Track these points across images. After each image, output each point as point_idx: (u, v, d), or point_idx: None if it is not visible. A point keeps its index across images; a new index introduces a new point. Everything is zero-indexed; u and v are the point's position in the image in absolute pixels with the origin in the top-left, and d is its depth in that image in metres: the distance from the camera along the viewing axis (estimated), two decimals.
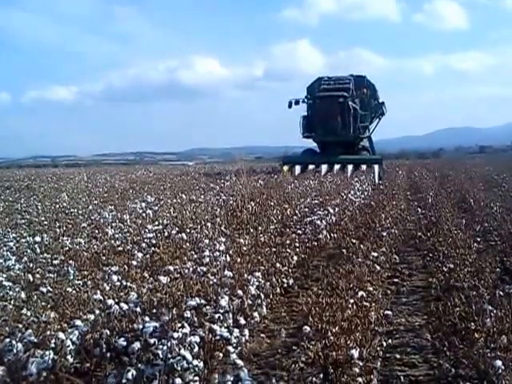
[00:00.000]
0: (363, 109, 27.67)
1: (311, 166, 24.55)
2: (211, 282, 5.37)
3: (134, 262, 6.58)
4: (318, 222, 9.45)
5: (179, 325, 4.11)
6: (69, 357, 4.27)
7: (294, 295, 6.65)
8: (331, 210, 10.71)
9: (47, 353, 4.12)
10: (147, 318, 4.27)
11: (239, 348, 4.62)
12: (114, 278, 5.63)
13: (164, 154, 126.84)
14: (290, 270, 6.84)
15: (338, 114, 25.97)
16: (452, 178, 21.91)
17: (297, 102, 27.83)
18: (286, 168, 25.11)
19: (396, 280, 7.24)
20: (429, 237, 8.83)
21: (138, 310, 4.54)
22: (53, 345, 4.25)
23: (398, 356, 4.85)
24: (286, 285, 6.61)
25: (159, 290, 5.03)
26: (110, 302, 4.66)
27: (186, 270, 5.90)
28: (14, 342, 4.19)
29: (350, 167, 23.77)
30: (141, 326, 4.16)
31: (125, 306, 4.62)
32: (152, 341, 3.98)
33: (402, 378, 4.35)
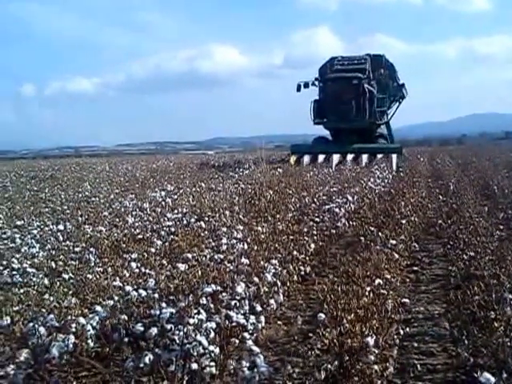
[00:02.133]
0: (381, 91, 25.14)
1: (322, 156, 22.57)
2: (228, 270, 5.42)
3: (153, 250, 6.67)
4: (337, 209, 9.45)
5: (195, 311, 4.16)
6: (89, 341, 4.40)
7: (312, 283, 6.67)
8: (350, 198, 10.70)
9: (69, 337, 4.24)
10: (164, 304, 4.33)
11: (255, 335, 4.67)
12: (133, 265, 5.72)
13: (185, 144, 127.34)
14: (307, 258, 6.85)
15: (352, 97, 23.41)
16: (475, 164, 21.33)
17: (306, 85, 25.24)
18: (293, 158, 23.15)
19: (415, 268, 7.20)
20: (449, 224, 8.74)
21: (156, 296, 4.61)
22: (74, 329, 4.37)
23: (415, 344, 4.83)
24: (303, 272, 6.62)
25: (176, 276, 5.09)
26: (128, 288, 4.75)
27: (204, 258, 5.96)
28: (37, 326, 4.32)
29: (364, 157, 21.80)
30: (158, 312, 4.22)
31: (143, 293, 4.70)
32: (169, 326, 4.05)
33: (419, 366, 4.35)
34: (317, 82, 25.20)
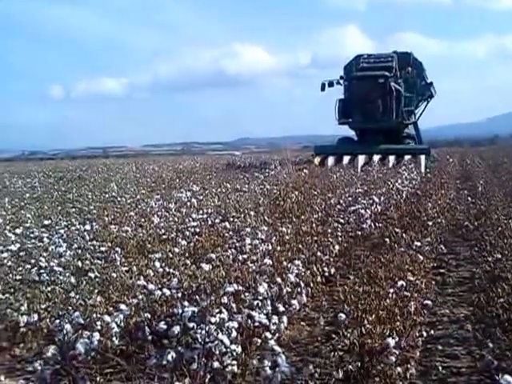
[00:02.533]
0: (408, 90, 24.43)
1: (347, 157, 21.83)
2: (250, 270, 5.49)
3: (177, 250, 6.77)
4: (362, 211, 9.44)
5: (217, 310, 4.24)
6: (114, 339, 4.51)
7: (336, 284, 6.70)
8: (376, 199, 10.68)
9: (94, 334, 4.37)
10: (186, 303, 4.42)
11: (277, 334, 4.72)
12: (157, 264, 5.83)
13: (211, 144, 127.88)
14: (331, 259, 6.88)
15: (379, 96, 22.86)
16: (506, 165, 21.08)
17: (331, 84, 24.71)
18: (317, 160, 22.40)
19: (442, 270, 7.19)
20: (477, 226, 8.68)
21: (179, 295, 4.70)
22: (99, 327, 4.49)
23: (440, 347, 4.84)
24: (327, 274, 6.66)
25: (199, 276, 5.18)
26: (151, 287, 4.85)
27: (227, 258, 6.04)
28: (63, 323, 4.45)
29: (391, 158, 21.07)
30: (180, 311, 4.31)
31: (166, 292, 4.80)
32: (191, 325, 4.13)
33: (441, 368, 4.35)
34: (342, 81, 24.70)
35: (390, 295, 4.70)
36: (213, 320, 4.08)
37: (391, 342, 3.72)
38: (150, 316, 4.52)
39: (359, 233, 8.60)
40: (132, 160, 44.84)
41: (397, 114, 23.26)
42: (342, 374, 3.63)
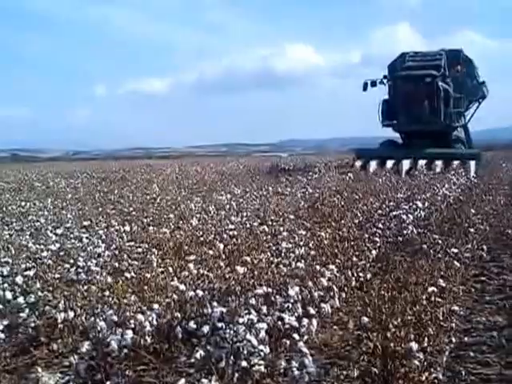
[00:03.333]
0: (458, 90, 23.62)
1: (390, 162, 21.19)
2: (282, 273, 5.72)
3: (211, 252, 7.05)
4: (404, 216, 9.53)
5: (246, 311, 4.49)
6: (147, 337, 4.82)
7: (371, 289, 6.85)
8: (420, 205, 10.72)
9: (127, 332, 4.68)
10: (215, 304, 4.69)
11: (306, 337, 4.94)
12: (191, 266, 6.12)
13: (257, 146, 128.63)
14: (367, 265, 7.03)
15: (425, 97, 22.02)
16: None
17: (373, 84, 24.10)
18: (358, 164, 21.84)
19: (483, 278, 7.25)
20: None
21: (208, 296, 4.98)
22: (132, 325, 4.81)
23: (472, 354, 4.96)
24: (362, 279, 6.81)
25: (228, 278, 5.44)
26: (182, 287, 5.14)
27: (260, 261, 6.28)
28: (98, 320, 4.78)
29: (438, 163, 20.39)
30: (210, 311, 4.58)
31: (199, 293, 5.08)
32: (220, 325, 4.39)
33: (467, 374, 4.48)
34: (385, 81, 24.10)
35: (419, 301, 4.84)
36: (241, 320, 4.32)
37: (414, 346, 3.88)
38: (180, 316, 4.78)
39: (400, 238, 8.72)
40: (175, 161, 45.63)
41: (445, 116, 22.56)
42: (358, 373, 3.80)
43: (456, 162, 20.59)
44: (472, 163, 20.64)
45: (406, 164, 20.61)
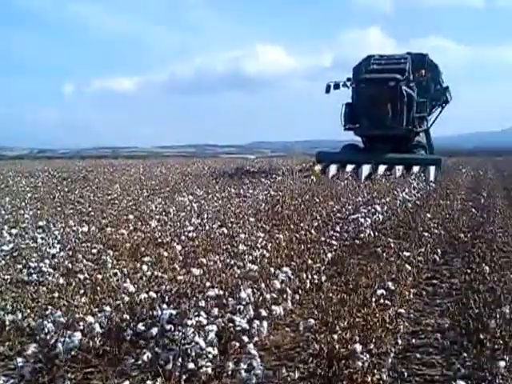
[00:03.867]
0: (421, 95, 23.32)
1: (350, 166, 20.88)
2: (236, 275, 5.76)
3: (166, 254, 7.04)
4: (362, 220, 9.66)
5: (195, 313, 4.50)
6: (96, 339, 4.79)
7: (326, 292, 6.93)
8: (379, 209, 10.89)
9: (75, 334, 4.65)
10: (165, 306, 4.70)
11: (256, 339, 4.98)
12: (145, 267, 6.11)
13: (225, 147, 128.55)
14: (322, 268, 7.10)
15: (388, 101, 21.50)
16: None
17: (336, 86, 23.46)
18: (317, 168, 21.37)
19: (435, 281, 7.40)
20: (471, 238, 8.89)
21: (158, 297, 4.98)
22: (81, 327, 4.78)
23: (418, 356, 5.08)
24: (317, 281, 6.88)
25: (180, 280, 5.46)
26: (132, 289, 5.14)
27: (214, 263, 6.30)
28: (45, 322, 4.74)
29: (398, 169, 20.14)
30: (159, 313, 4.59)
31: (148, 295, 5.08)
32: (168, 327, 4.40)
33: (411, 375, 4.60)
34: (348, 83, 23.58)
35: (369, 303, 4.93)
36: (189, 322, 4.34)
37: (358, 347, 3.95)
38: (129, 318, 4.78)
39: (358, 242, 8.85)
40: (141, 161, 45.28)
41: (407, 121, 22.27)
42: (300, 374, 3.86)
43: (416, 168, 20.53)
44: (432, 169, 20.62)
45: (365, 169, 20.41)
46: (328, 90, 23.56)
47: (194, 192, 15.18)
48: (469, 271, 6.85)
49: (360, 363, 3.91)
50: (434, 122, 25.74)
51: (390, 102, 21.52)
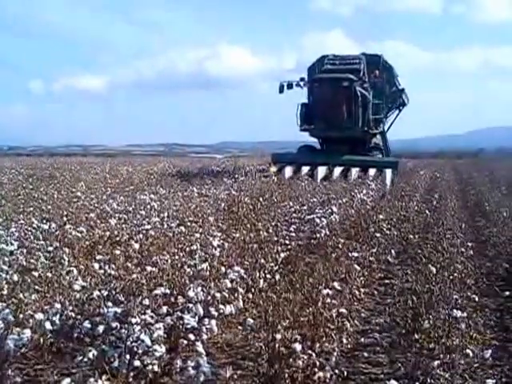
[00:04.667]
0: (377, 97, 22.47)
1: (306, 168, 20.17)
2: (186, 274, 5.73)
3: (118, 252, 6.95)
4: (318, 220, 9.70)
5: (141, 312, 4.46)
6: (46, 336, 4.73)
7: (282, 291, 6.93)
8: (335, 209, 10.94)
9: (25, 331, 4.58)
10: (110, 304, 4.65)
11: (207, 337, 4.97)
12: (96, 265, 6.04)
13: (194, 147, 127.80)
14: (276, 267, 7.09)
15: (342, 102, 20.80)
16: (474, 180, 21.43)
17: (290, 86, 22.45)
18: (273, 169, 20.64)
19: (387, 281, 7.48)
20: (422, 239, 9.04)
21: (104, 295, 4.93)
22: (31, 324, 4.70)
23: (366, 354, 5.13)
24: (271, 280, 6.87)
25: (126, 278, 5.41)
26: (77, 287, 5.08)
27: (165, 262, 6.26)
28: None
29: (354, 171, 19.55)
30: (105, 311, 4.54)
31: (97, 293, 5.02)
32: (114, 325, 4.35)
33: (357, 373, 4.66)
34: (302, 83, 22.56)
35: (313, 302, 4.95)
36: (134, 321, 4.29)
37: (298, 346, 3.96)
38: (73, 315, 4.73)
39: (313, 241, 8.88)
40: (108, 159, 44.72)
41: (363, 122, 21.34)
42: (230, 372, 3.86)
43: (373, 170, 19.92)
44: (388, 172, 19.99)
45: (321, 171, 19.68)
46: (282, 90, 22.57)
47: (156, 191, 15.04)
48: (415, 272, 6.92)
49: (300, 362, 3.91)
50: (391, 125, 25.26)
51: (345, 103, 20.90)
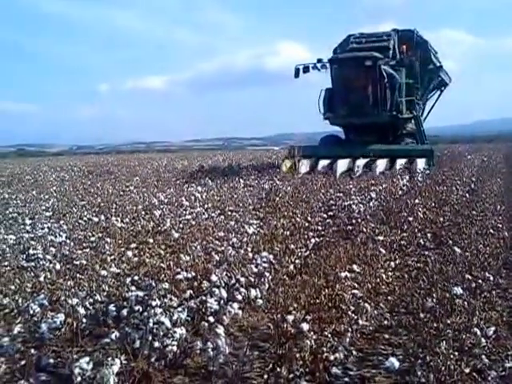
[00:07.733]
0: (410, 76, 19.24)
1: (323, 162, 17.59)
2: (214, 260, 5.82)
3: (151, 240, 7.11)
4: (354, 206, 9.59)
5: (163, 295, 4.58)
6: (79, 320, 4.91)
7: (309, 275, 6.92)
8: (374, 196, 10.78)
9: (58, 315, 4.77)
10: (134, 288, 4.78)
11: (226, 320, 5.02)
12: (130, 253, 6.20)
13: (251, 140, 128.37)
14: (306, 252, 7.06)
15: (367, 83, 17.85)
16: None
17: (306, 69, 19.13)
18: (287, 163, 17.91)
19: (420, 265, 7.31)
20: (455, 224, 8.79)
21: (128, 280, 5.07)
22: (65, 309, 4.89)
23: (386, 336, 5.06)
24: (300, 265, 6.86)
25: (151, 265, 5.54)
26: (104, 272, 5.24)
27: (194, 248, 6.36)
28: (32, 304, 4.86)
29: (380, 163, 16.76)
30: (130, 295, 4.67)
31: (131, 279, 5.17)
32: (137, 308, 4.47)
33: (374, 354, 4.60)
34: (319, 65, 19.08)
35: (334, 285, 4.93)
36: (154, 304, 4.40)
37: (305, 326, 3.96)
38: (100, 299, 4.88)
39: (349, 227, 8.80)
40: (169, 155, 45.58)
41: (391, 106, 18.17)
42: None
43: (401, 161, 17.09)
44: (420, 161, 17.21)
45: (341, 165, 17.02)
46: (297, 74, 19.38)
47: (205, 182, 15.23)
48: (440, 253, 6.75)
49: (308, 342, 3.90)
50: (432, 108, 22.15)
51: (369, 85, 17.95)
